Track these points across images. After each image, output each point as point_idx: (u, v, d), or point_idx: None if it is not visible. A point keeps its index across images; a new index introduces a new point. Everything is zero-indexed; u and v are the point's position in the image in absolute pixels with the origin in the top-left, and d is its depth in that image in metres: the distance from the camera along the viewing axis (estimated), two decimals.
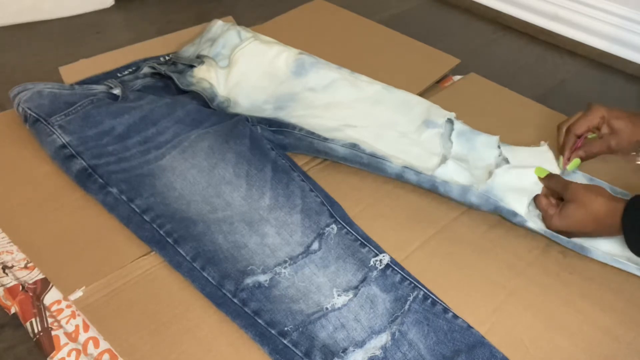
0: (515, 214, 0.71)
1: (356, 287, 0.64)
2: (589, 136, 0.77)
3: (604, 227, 0.66)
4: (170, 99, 0.86)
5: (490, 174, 0.75)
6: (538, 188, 0.73)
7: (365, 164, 0.78)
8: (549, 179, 0.73)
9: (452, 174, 0.75)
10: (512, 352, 0.59)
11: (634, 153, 0.79)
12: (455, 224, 0.74)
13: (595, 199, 0.66)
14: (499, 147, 0.80)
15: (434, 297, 0.63)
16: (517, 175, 0.74)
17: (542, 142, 0.81)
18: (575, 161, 0.77)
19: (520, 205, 0.71)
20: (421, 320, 0.61)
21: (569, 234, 0.70)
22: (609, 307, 0.65)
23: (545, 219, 0.71)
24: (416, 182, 0.76)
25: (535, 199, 0.72)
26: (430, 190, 0.76)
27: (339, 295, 0.63)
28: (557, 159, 0.78)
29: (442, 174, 0.75)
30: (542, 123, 0.91)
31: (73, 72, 0.93)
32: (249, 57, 0.92)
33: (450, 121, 0.82)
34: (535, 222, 0.71)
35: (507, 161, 0.79)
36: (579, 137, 0.77)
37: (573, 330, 0.62)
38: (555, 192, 0.71)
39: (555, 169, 0.76)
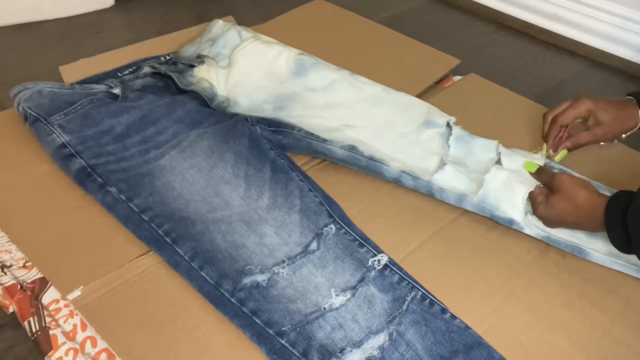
0: (512, 222, 0.72)
1: (354, 287, 0.64)
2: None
3: (585, 220, 0.66)
4: (170, 98, 0.86)
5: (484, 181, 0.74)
6: (531, 186, 0.73)
7: (363, 167, 0.78)
8: (538, 173, 0.74)
9: (450, 180, 0.75)
10: (510, 353, 0.59)
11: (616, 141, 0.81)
12: (454, 224, 0.74)
13: (580, 191, 0.67)
14: (498, 151, 0.80)
15: (432, 298, 0.63)
16: (508, 179, 0.74)
17: (538, 152, 0.81)
18: (563, 152, 0.78)
19: (516, 211, 0.71)
20: (419, 320, 0.61)
21: (552, 223, 0.70)
22: (608, 308, 0.65)
23: (533, 206, 0.72)
24: (413, 187, 0.77)
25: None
26: (427, 195, 0.77)
27: (336, 295, 0.63)
28: (541, 147, 0.80)
29: (439, 180, 0.75)
30: (542, 123, 0.90)
31: (73, 71, 0.93)
32: (250, 57, 0.92)
33: (448, 125, 0.82)
34: (532, 229, 0.71)
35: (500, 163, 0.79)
36: (564, 127, 0.78)
37: (571, 331, 0.62)
38: (545, 184, 0.72)
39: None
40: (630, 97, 0.77)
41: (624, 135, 0.80)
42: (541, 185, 0.72)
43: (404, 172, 0.76)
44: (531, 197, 0.72)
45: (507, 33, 1.29)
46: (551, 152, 0.79)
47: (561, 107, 0.78)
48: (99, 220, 0.71)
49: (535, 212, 0.71)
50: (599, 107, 0.75)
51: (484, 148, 0.80)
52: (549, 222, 0.71)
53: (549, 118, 0.79)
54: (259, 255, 0.66)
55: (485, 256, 0.70)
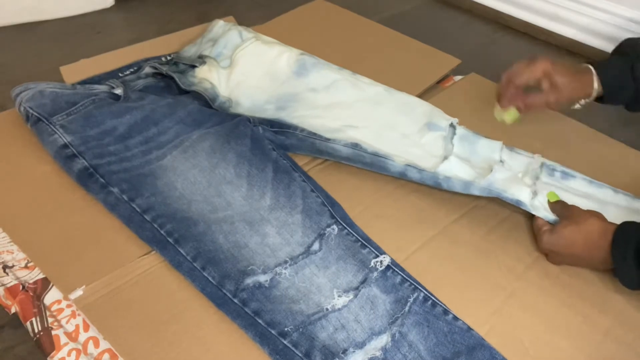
0: (519, 202, 0.71)
1: (356, 288, 0.64)
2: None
3: (595, 251, 0.64)
4: (172, 99, 0.86)
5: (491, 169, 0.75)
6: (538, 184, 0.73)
7: (367, 163, 0.78)
8: (554, 204, 0.71)
9: (455, 170, 0.75)
10: (512, 354, 0.59)
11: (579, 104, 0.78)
12: (455, 225, 0.74)
13: (589, 218, 0.65)
14: (501, 152, 0.80)
15: (434, 299, 0.63)
16: (513, 175, 0.74)
17: (537, 155, 0.80)
18: (514, 113, 0.73)
19: (524, 194, 0.71)
20: (421, 321, 0.61)
21: (558, 256, 0.68)
22: (609, 309, 0.65)
23: (536, 238, 0.70)
24: (419, 180, 0.76)
25: (533, 221, 0.72)
26: (433, 187, 0.76)
27: (339, 296, 0.63)
28: (494, 106, 0.77)
29: (444, 170, 0.75)
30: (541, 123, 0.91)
31: (74, 72, 0.93)
32: (251, 57, 0.92)
33: (452, 126, 0.82)
34: (539, 212, 0.70)
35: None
36: (518, 87, 0.74)
37: (573, 331, 0.62)
38: (559, 217, 0.70)
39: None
40: (588, 66, 0.74)
41: (577, 105, 0.76)
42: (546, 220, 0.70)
43: (409, 165, 0.76)
44: (535, 228, 0.71)
45: (507, 33, 1.30)
46: (499, 108, 0.75)
47: (518, 66, 0.75)
48: (100, 221, 0.71)
49: (539, 244, 0.69)
50: (555, 70, 0.72)
51: (488, 148, 0.80)
52: (554, 253, 0.68)
53: (504, 77, 0.76)
54: (261, 256, 0.66)
55: (486, 257, 0.70)
